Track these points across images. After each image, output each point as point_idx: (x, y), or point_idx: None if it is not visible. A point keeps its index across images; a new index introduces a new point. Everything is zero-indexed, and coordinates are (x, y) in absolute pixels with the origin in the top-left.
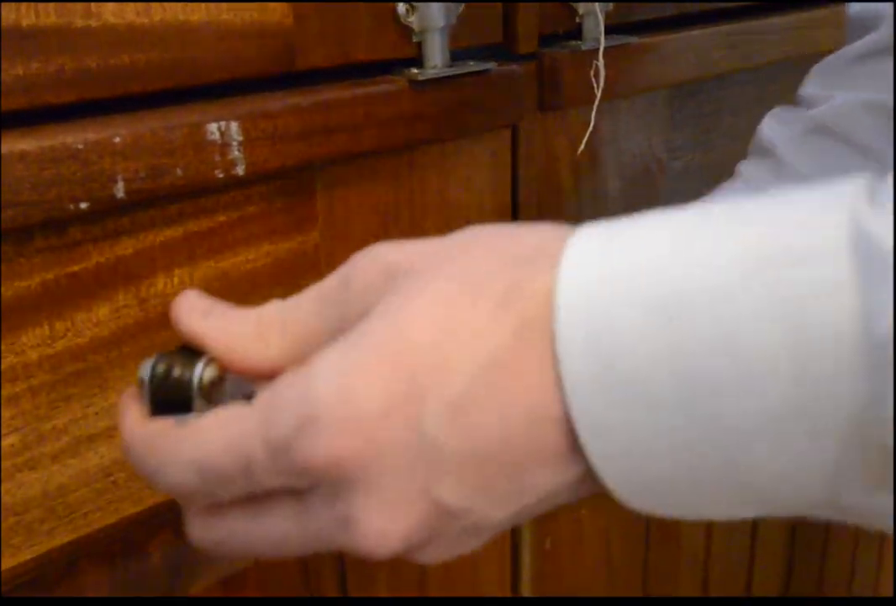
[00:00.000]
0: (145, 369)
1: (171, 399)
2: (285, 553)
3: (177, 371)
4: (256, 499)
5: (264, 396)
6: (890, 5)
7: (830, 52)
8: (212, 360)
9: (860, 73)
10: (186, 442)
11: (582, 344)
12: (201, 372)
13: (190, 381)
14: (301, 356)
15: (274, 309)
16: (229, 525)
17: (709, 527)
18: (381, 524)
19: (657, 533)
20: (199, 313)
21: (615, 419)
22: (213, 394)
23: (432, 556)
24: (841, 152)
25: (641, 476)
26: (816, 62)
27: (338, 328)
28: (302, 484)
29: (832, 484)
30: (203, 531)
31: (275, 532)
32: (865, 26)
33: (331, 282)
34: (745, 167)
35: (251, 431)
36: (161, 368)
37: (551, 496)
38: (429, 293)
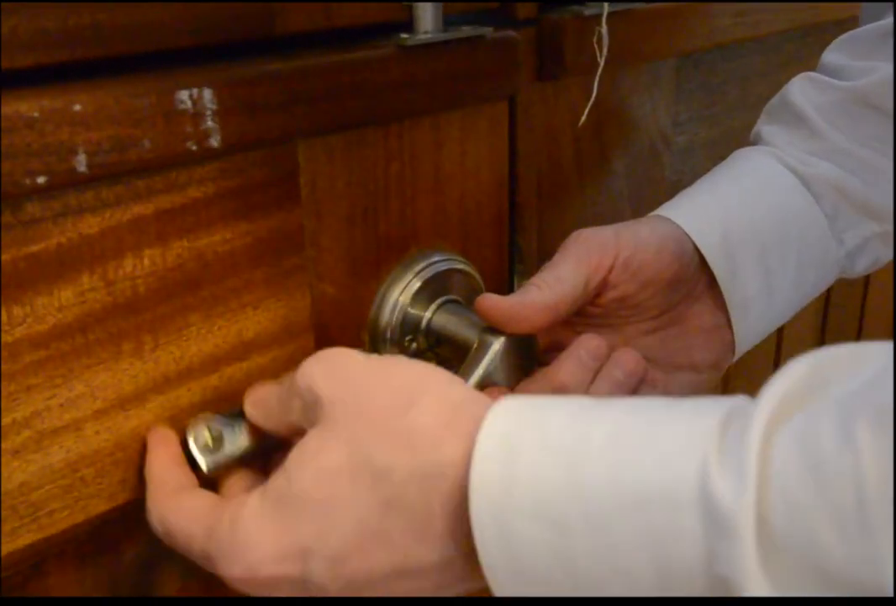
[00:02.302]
0: None
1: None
2: None
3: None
4: None
5: (215, 512)
6: None
7: (837, 21)
8: (207, 427)
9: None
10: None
11: (495, 548)
12: (194, 436)
13: (186, 442)
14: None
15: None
16: None
17: None
18: None
19: None
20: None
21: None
22: (210, 449)
23: None
24: (881, 125)
25: None
26: (822, 32)
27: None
28: None
29: None
30: None
31: None
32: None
33: (284, 384)
34: (771, 133)
35: (201, 538)
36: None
37: None
38: (322, 461)
